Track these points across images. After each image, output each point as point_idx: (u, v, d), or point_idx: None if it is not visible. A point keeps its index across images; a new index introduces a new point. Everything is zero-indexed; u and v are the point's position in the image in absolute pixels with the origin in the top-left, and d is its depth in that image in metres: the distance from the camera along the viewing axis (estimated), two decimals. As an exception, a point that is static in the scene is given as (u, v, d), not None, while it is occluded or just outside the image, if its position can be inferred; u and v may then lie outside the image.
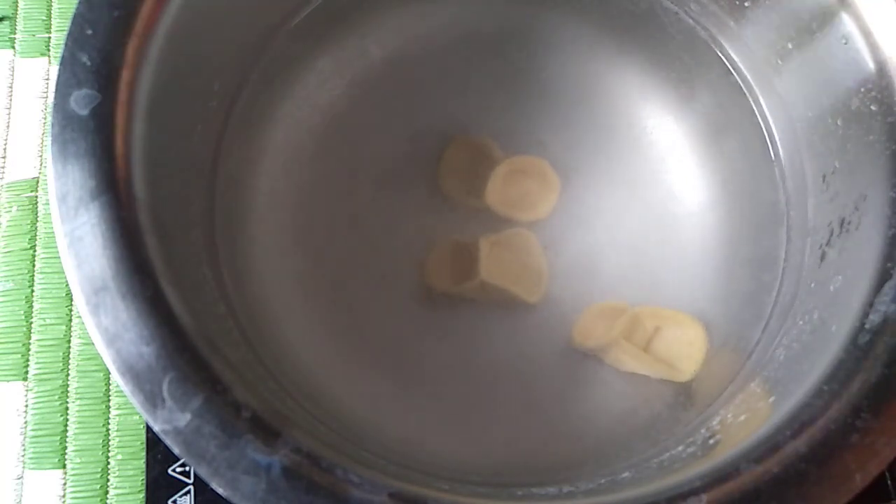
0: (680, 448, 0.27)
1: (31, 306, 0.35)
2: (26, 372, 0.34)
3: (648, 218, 0.34)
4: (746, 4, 0.32)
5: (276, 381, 0.28)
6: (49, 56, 0.39)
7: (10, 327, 0.34)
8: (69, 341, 0.34)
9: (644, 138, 0.35)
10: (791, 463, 0.22)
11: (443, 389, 0.32)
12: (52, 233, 0.30)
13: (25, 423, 0.33)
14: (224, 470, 0.20)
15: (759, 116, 0.34)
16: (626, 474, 0.26)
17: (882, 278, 0.25)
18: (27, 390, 0.34)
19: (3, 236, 0.36)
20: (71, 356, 0.34)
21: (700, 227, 0.34)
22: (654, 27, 0.35)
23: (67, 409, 0.33)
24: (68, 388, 0.34)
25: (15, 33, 0.39)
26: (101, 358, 0.21)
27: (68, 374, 0.34)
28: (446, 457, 0.29)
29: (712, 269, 0.33)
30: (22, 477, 0.32)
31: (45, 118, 0.38)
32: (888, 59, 0.27)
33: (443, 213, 0.34)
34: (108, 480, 0.32)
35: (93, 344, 0.22)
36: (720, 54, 0.35)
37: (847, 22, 0.28)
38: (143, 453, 0.32)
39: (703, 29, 0.35)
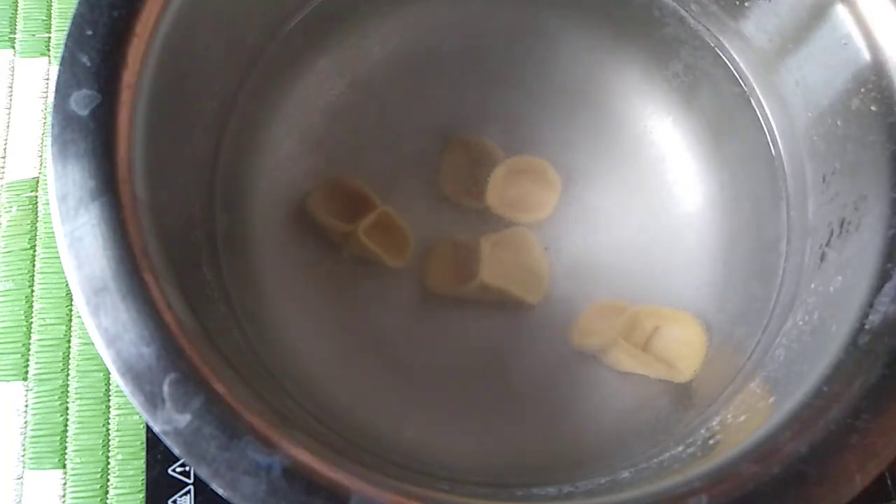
0: (680, 448, 0.27)
1: (31, 306, 0.35)
2: (26, 372, 0.34)
3: (649, 218, 0.34)
4: (746, 4, 0.32)
5: (277, 381, 0.28)
6: (49, 56, 0.39)
7: (10, 327, 0.34)
8: (69, 341, 0.34)
9: (644, 138, 0.35)
10: (791, 463, 0.22)
11: (443, 390, 0.32)
12: (52, 233, 0.30)
13: (25, 423, 0.33)
14: (224, 471, 0.20)
15: (759, 116, 0.34)
16: (626, 474, 0.26)
17: (882, 279, 0.25)
18: (27, 390, 0.34)
19: (3, 236, 0.36)
20: (71, 356, 0.34)
21: (700, 227, 0.34)
22: (654, 27, 0.35)
23: (67, 409, 0.33)
24: (68, 388, 0.34)
25: (15, 33, 0.39)
26: (101, 358, 0.21)
27: (68, 374, 0.34)
28: (446, 457, 0.29)
29: (712, 268, 0.33)
30: (22, 477, 0.32)
31: (45, 118, 0.38)
32: (888, 59, 0.27)
33: (443, 214, 0.34)
34: (108, 480, 0.32)
35: (93, 344, 0.22)
36: (720, 54, 0.34)
37: (847, 22, 0.28)
38: (143, 453, 0.32)
39: (703, 29, 0.35)
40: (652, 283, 0.33)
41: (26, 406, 0.33)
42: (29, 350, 0.34)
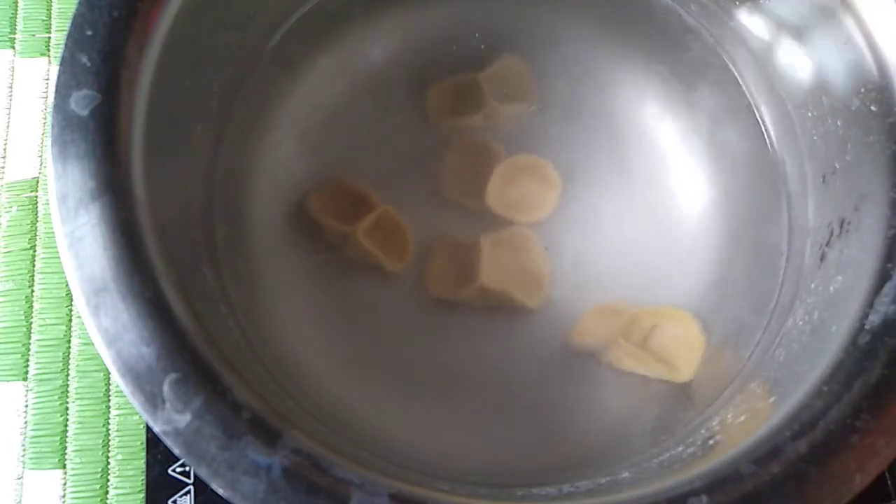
0: (680, 448, 0.27)
1: (31, 306, 0.35)
2: (26, 372, 0.34)
3: (649, 218, 0.34)
4: (747, 5, 0.32)
5: (277, 381, 0.28)
6: (49, 56, 0.39)
7: (10, 327, 0.34)
8: (69, 341, 0.34)
9: (644, 138, 0.35)
10: (791, 463, 0.22)
11: (443, 390, 0.32)
12: (52, 233, 0.30)
13: (25, 423, 0.33)
14: (224, 471, 0.20)
15: (759, 117, 0.34)
16: (626, 474, 0.26)
17: (882, 279, 0.25)
18: (27, 390, 0.34)
19: (3, 236, 0.36)
20: (71, 356, 0.34)
21: (700, 227, 0.34)
22: (654, 27, 0.35)
23: (67, 409, 0.33)
24: (68, 388, 0.34)
25: (15, 33, 0.39)
26: (101, 358, 0.21)
27: (68, 374, 0.34)
28: (446, 458, 0.29)
29: (712, 269, 0.33)
30: (22, 477, 0.32)
31: (45, 118, 0.38)
32: (888, 59, 0.27)
33: (443, 214, 0.34)
34: (108, 480, 0.32)
35: (93, 344, 0.22)
36: (721, 54, 0.35)
37: (847, 22, 0.28)
38: (143, 453, 0.32)
39: (703, 29, 0.35)
40: (652, 282, 0.33)
41: (26, 406, 0.33)
42: (29, 350, 0.34)
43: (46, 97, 0.38)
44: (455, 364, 0.32)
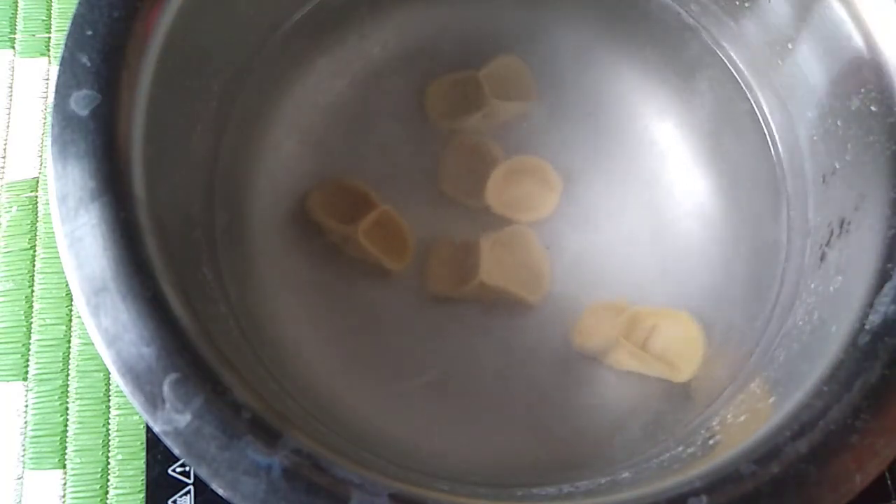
0: (680, 448, 0.27)
1: (31, 306, 0.35)
2: (26, 372, 0.34)
3: (649, 218, 0.34)
4: (747, 4, 0.32)
5: (277, 381, 0.28)
6: (49, 56, 0.39)
7: (10, 327, 0.34)
8: (69, 341, 0.34)
9: (644, 138, 0.35)
10: (791, 463, 0.22)
11: (443, 390, 0.32)
12: (52, 233, 0.30)
13: (25, 423, 0.33)
14: (224, 471, 0.20)
15: (759, 116, 0.34)
16: (626, 474, 0.26)
17: (882, 279, 0.25)
18: (27, 390, 0.34)
19: (3, 236, 0.36)
20: (71, 356, 0.34)
21: (700, 227, 0.34)
22: (654, 27, 0.35)
23: (67, 409, 0.33)
24: (68, 388, 0.34)
25: (15, 33, 0.39)
26: (101, 358, 0.21)
27: (68, 374, 0.34)
28: (446, 457, 0.29)
29: (712, 269, 0.33)
30: (22, 477, 0.32)
31: (45, 118, 0.38)
32: (888, 59, 0.27)
33: (443, 214, 0.34)
34: (108, 480, 0.32)
35: (93, 344, 0.22)
36: (720, 54, 0.35)
37: (847, 22, 0.28)
38: (143, 453, 0.32)
39: (703, 29, 0.35)
40: (652, 281, 0.33)
41: (26, 406, 0.33)
42: (29, 350, 0.34)
43: (46, 97, 0.38)
44: (455, 363, 0.32)
